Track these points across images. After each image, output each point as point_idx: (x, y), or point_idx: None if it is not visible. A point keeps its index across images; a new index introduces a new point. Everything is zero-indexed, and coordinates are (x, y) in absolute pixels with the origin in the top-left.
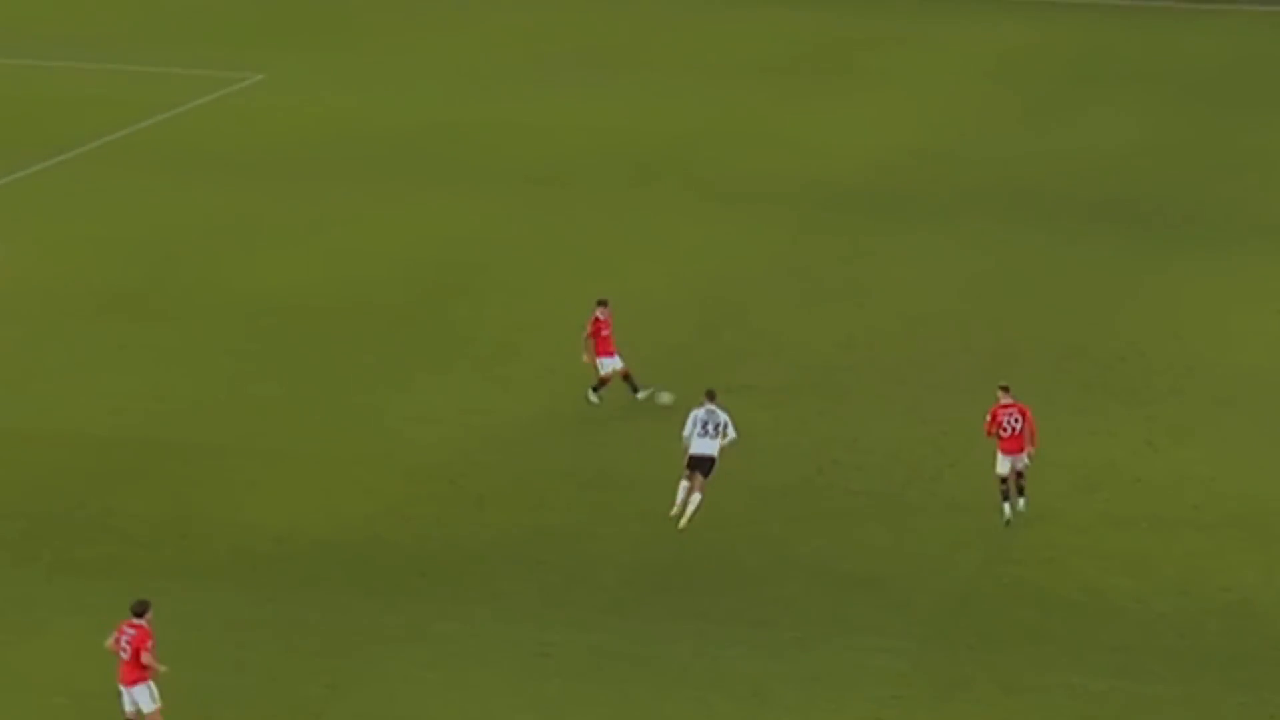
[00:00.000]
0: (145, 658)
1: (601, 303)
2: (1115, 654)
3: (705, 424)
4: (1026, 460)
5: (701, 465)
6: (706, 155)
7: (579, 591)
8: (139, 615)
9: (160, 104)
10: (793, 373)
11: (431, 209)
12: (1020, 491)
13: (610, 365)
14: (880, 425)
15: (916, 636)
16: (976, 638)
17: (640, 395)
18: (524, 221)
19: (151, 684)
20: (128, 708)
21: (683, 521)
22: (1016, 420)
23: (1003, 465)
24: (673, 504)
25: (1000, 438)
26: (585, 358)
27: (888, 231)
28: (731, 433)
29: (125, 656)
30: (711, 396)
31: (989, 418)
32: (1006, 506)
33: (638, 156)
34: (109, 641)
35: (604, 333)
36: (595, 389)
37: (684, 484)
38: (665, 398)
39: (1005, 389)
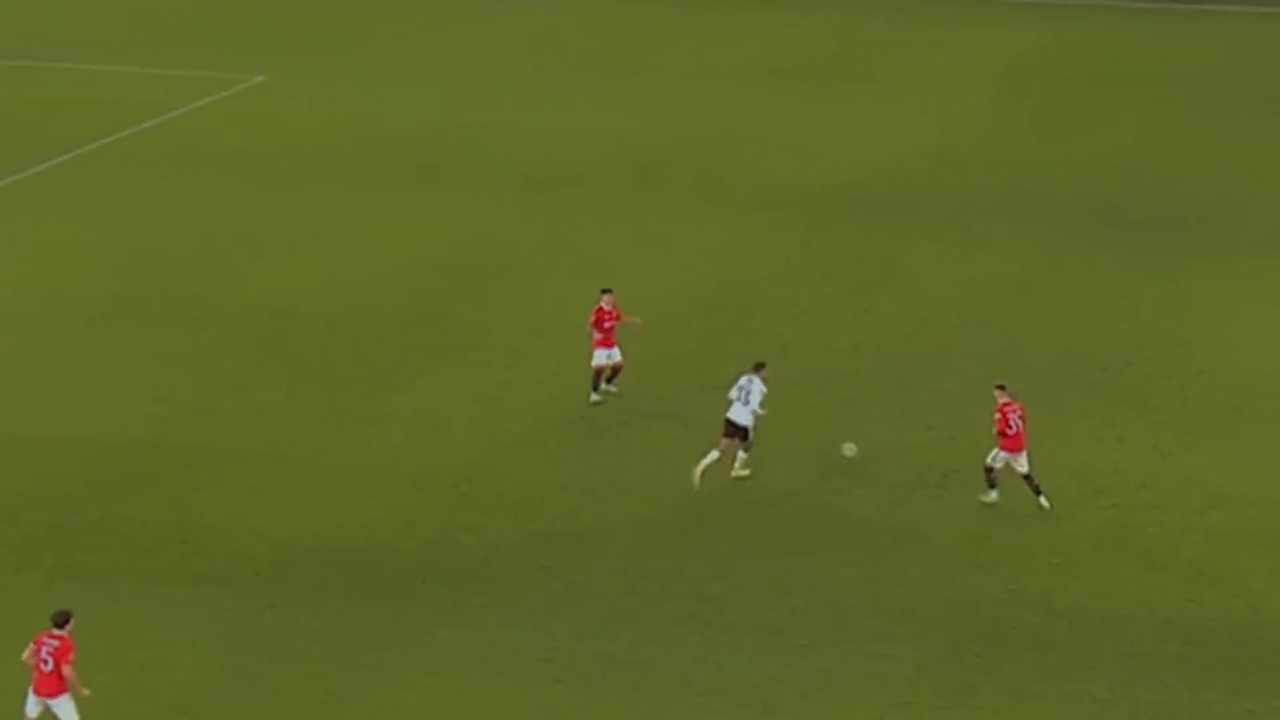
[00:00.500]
0: (66, 671)
1: (606, 291)
2: (1122, 661)
3: (742, 389)
4: (1026, 460)
5: (728, 430)
6: (713, 159)
7: (583, 598)
8: (60, 626)
9: (160, 106)
10: (798, 377)
11: (436, 213)
12: (1038, 490)
13: (604, 357)
14: (886, 430)
15: (922, 643)
16: (982, 644)
17: (595, 396)
18: (529, 226)
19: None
20: (30, 712)
21: (698, 475)
22: (1020, 418)
23: (998, 459)
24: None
25: (1006, 435)
26: (593, 347)
27: (895, 235)
28: (754, 402)
29: (47, 669)
30: (758, 368)
31: (999, 416)
32: (994, 493)
33: (644, 160)
34: (25, 654)
35: (606, 324)
36: (595, 388)
37: (713, 452)
38: (849, 448)
39: (1002, 387)
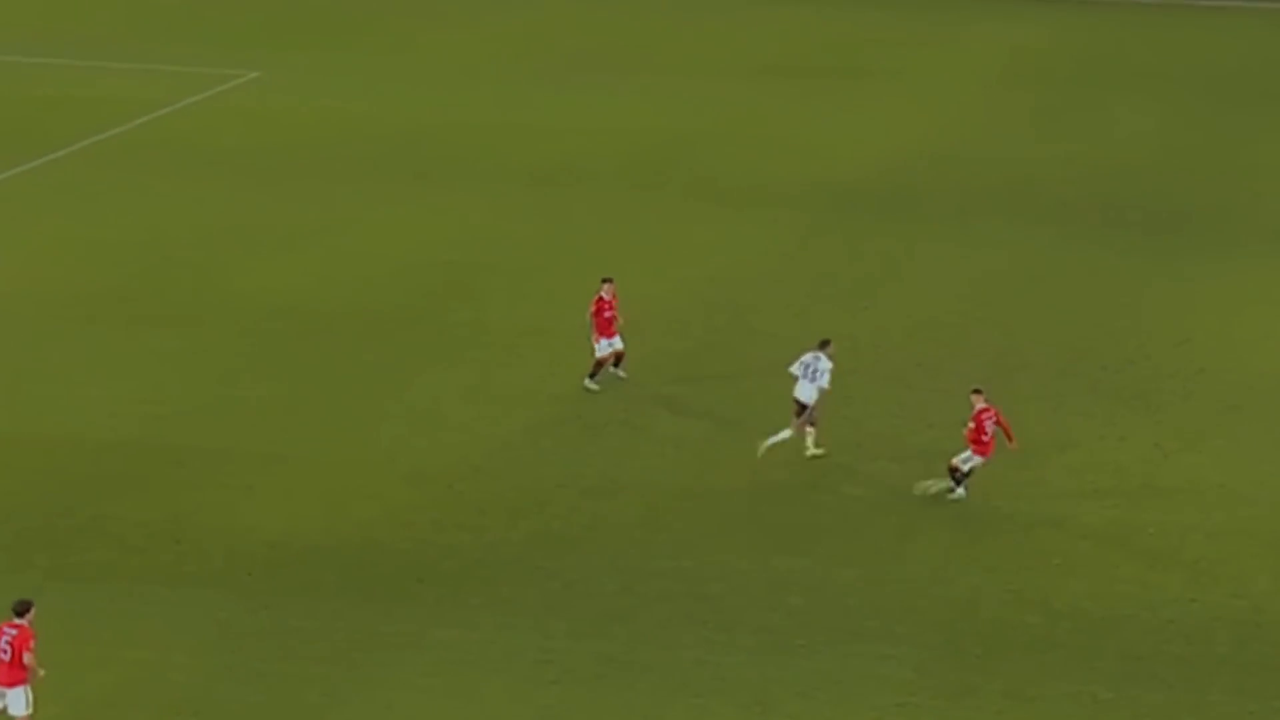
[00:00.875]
0: (27, 658)
1: (606, 280)
2: (1123, 662)
3: (808, 366)
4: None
5: (797, 408)
6: (713, 157)
7: (580, 598)
8: (20, 615)
9: (153, 102)
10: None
11: (433, 210)
12: (960, 483)
13: (608, 347)
14: (886, 428)
15: (922, 644)
16: (982, 645)
17: (592, 384)
18: (527, 224)
19: (28, 689)
20: None
21: (763, 449)
22: (994, 424)
23: (969, 462)
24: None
25: (980, 441)
26: (593, 338)
27: (895, 234)
28: (823, 381)
29: (5, 658)
30: (823, 344)
31: (974, 425)
32: (961, 489)
33: (643, 158)
34: None
35: (606, 313)
36: (593, 375)
37: (785, 431)
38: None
39: (979, 391)
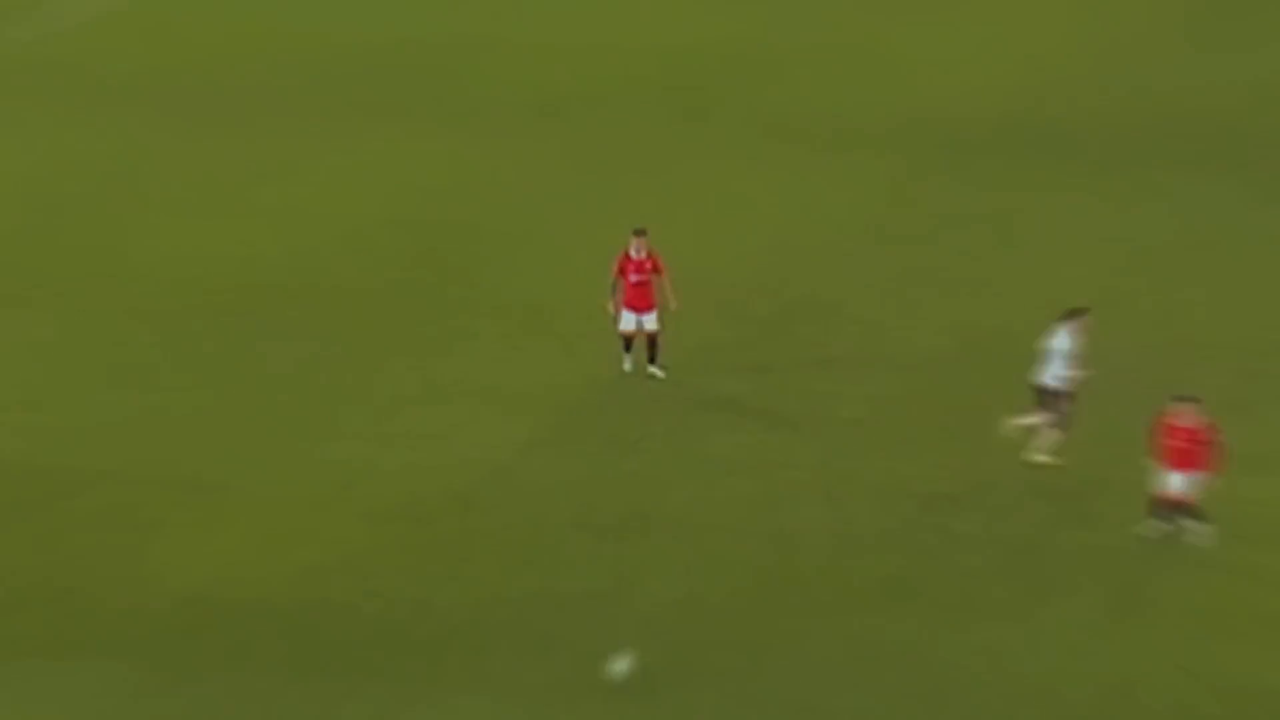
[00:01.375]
0: None
1: (637, 233)
2: None
3: None
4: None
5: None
6: (774, 83)
7: (593, 673)
8: None
9: (32, 14)
10: (890, 376)
11: (406, 153)
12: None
13: (632, 322)
14: (1013, 448)
15: None
16: None
17: (626, 369)
18: (530, 170)
19: None
20: None
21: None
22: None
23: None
24: None
25: (1205, 459)
26: (610, 306)
27: (1019, 184)
28: (1048, 360)
29: None
30: (1071, 314)
31: (1200, 440)
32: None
33: (681, 84)
34: None
35: (632, 277)
36: (627, 348)
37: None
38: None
39: (1195, 400)
